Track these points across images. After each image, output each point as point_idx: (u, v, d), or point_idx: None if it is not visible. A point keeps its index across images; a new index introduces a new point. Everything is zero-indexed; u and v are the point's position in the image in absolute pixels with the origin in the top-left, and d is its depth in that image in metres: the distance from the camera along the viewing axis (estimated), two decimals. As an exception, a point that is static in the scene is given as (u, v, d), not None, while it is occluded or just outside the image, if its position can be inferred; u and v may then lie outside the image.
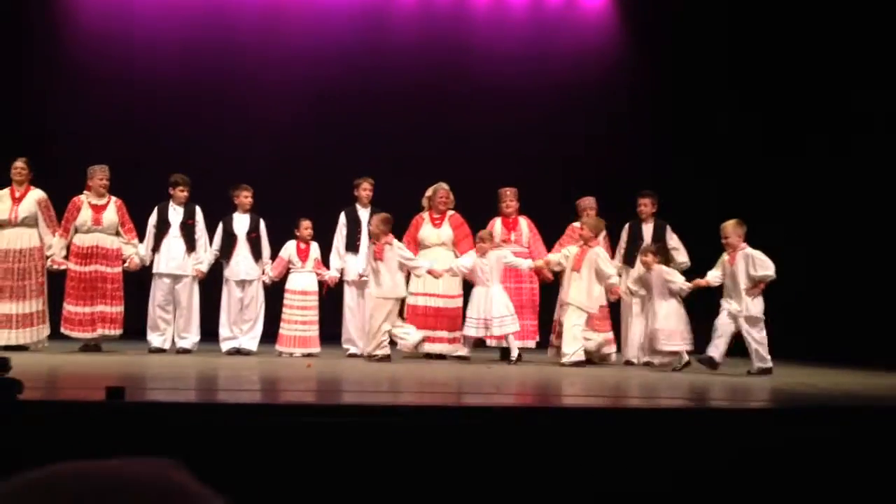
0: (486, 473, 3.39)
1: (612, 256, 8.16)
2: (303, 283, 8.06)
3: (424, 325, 7.97)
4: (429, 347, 7.97)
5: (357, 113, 10.15)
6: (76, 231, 7.75)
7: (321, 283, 8.14)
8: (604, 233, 8.07)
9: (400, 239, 8.20)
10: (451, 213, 8.33)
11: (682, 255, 8.18)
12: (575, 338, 7.41)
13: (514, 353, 7.67)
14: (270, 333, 8.11)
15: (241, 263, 8.02)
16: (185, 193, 8.12)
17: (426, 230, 8.24)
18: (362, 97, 10.22)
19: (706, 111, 10.02)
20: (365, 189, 8.37)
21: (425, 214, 8.35)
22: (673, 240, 8.22)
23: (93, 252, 7.70)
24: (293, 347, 7.89)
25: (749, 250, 6.96)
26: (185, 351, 7.92)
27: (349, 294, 8.28)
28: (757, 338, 6.86)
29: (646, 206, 8.27)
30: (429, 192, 8.34)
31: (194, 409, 3.88)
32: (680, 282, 7.25)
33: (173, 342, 8.05)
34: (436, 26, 10.64)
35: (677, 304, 7.27)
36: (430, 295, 8.08)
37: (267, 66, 10.17)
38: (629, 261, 8.17)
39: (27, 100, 9.58)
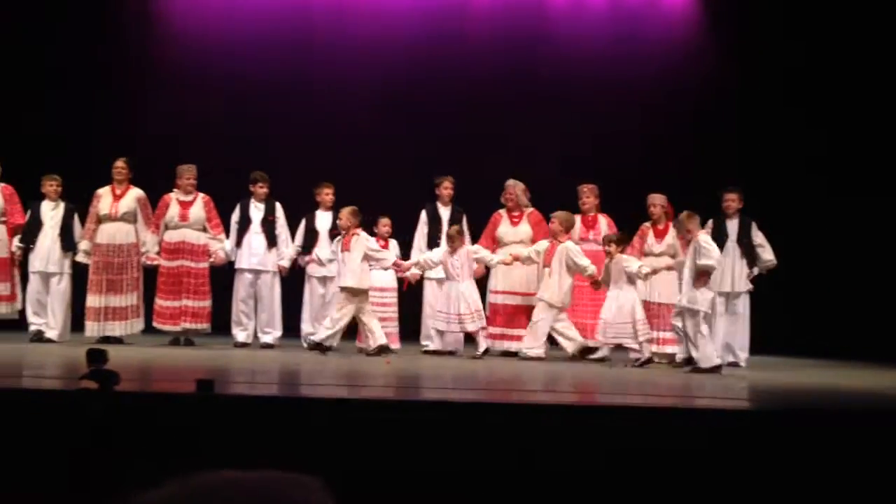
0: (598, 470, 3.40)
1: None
2: (382, 279, 8.13)
3: (504, 322, 7.99)
4: (507, 345, 7.99)
5: (438, 111, 10.21)
6: (166, 227, 8.04)
7: (401, 280, 8.23)
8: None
9: (478, 238, 8.23)
10: (529, 210, 8.30)
11: (767, 253, 8.02)
12: (538, 333, 7.46)
13: (482, 348, 7.56)
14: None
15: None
16: (265, 190, 8.31)
17: (504, 228, 8.25)
18: (442, 95, 10.26)
19: (791, 106, 9.77)
20: (446, 187, 8.42)
21: (503, 212, 8.35)
22: (759, 237, 8.05)
23: (180, 248, 7.97)
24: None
25: (700, 238, 6.91)
26: (268, 346, 8.11)
27: (429, 290, 8.34)
28: (691, 331, 6.76)
29: (733, 201, 8.09)
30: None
31: (277, 402, 4.00)
32: (636, 267, 7.27)
33: (256, 336, 8.26)
34: (512, 23, 10.61)
35: (636, 297, 7.33)
36: (511, 293, 8.09)
37: (349, 64, 10.30)
38: (713, 257, 8.04)
39: (121, 101, 9.95)
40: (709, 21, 10.63)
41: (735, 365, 7.82)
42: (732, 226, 8.07)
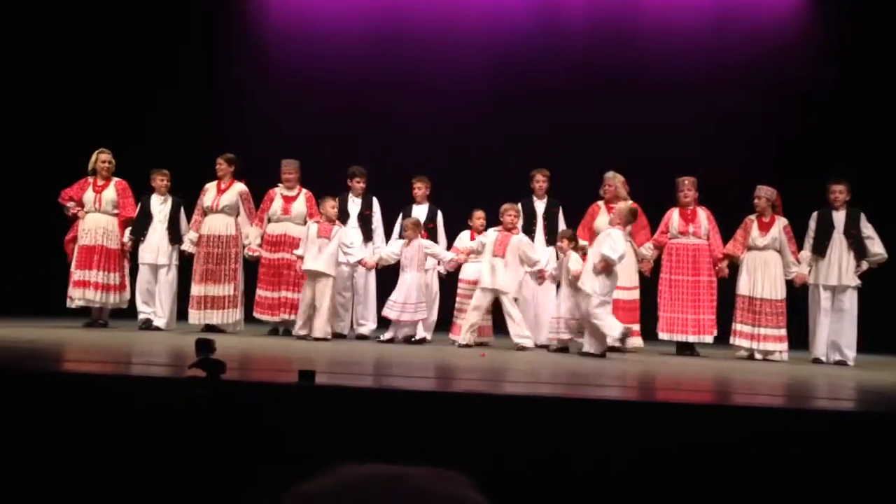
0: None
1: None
2: (476, 272, 8.16)
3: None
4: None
5: (533, 103, 10.17)
6: (269, 221, 8.26)
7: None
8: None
9: (576, 228, 8.15)
10: (628, 202, 8.18)
11: (876, 246, 7.70)
12: (518, 323, 7.61)
13: (419, 336, 7.80)
14: (445, 322, 8.28)
15: (435, 250, 8.08)
16: (363, 184, 8.43)
17: (602, 219, 8.15)
18: (537, 88, 10.22)
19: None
20: (538, 181, 8.39)
21: (601, 203, 8.26)
22: (868, 229, 7.73)
23: (281, 240, 8.17)
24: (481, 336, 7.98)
25: (613, 232, 7.13)
26: (363, 337, 8.23)
27: (524, 285, 8.31)
28: (586, 313, 6.93)
29: (840, 193, 7.80)
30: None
31: (375, 394, 4.04)
32: (575, 268, 7.30)
33: (352, 327, 8.40)
34: (611, 15, 10.49)
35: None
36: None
37: (447, 59, 10.37)
38: (820, 250, 7.77)
39: (229, 100, 10.27)
40: (815, 5, 10.27)
41: (842, 363, 7.54)
42: (839, 217, 7.78)
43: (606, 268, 6.95)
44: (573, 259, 7.42)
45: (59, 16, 10.10)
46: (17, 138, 9.89)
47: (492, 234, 7.84)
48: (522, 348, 7.56)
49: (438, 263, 8.20)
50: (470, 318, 7.70)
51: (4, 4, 9.87)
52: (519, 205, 8.02)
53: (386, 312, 7.92)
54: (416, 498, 0.75)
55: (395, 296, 7.85)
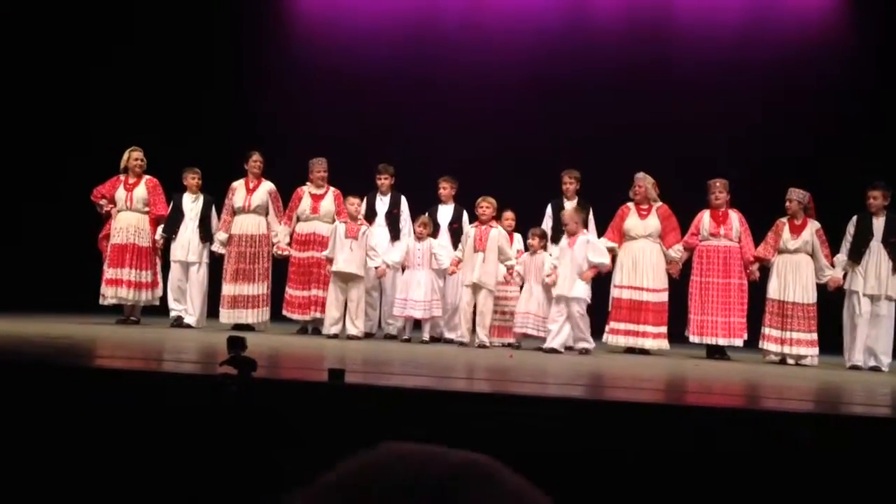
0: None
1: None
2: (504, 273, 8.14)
3: (628, 318, 7.88)
4: (632, 342, 7.86)
5: (563, 104, 10.14)
6: (298, 220, 8.30)
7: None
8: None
9: (604, 231, 8.10)
10: (658, 203, 8.12)
11: None
12: (486, 321, 7.70)
13: (426, 336, 7.87)
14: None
15: (443, 253, 8.11)
16: (390, 181, 8.45)
17: (632, 220, 8.10)
18: (567, 88, 10.19)
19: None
20: (567, 182, 8.36)
21: (631, 205, 8.20)
22: None
23: (310, 239, 8.21)
24: (494, 337, 7.99)
25: (589, 236, 7.43)
26: (392, 337, 8.25)
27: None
28: (577, 315, 7.26)
29: (876, 198, 7.68)
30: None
31: (407, 393, 4.04)
32: (548, 268, 7.51)
33: (380, 326, 8.42)
34: (640, 15, 10.42)
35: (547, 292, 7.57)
36: (635, 288, 7.95)
37: (475, 59, 10.37)
38: (856, 257, 7.66)
39: (258, 99, 10.35)
40: (849, 13, 10.14)
41: (877, 369, 7.45)
42: (878, 224, 7.66)
43: (597, 274, 7.38)
44: (547, 260, 7.59)
45: (94, 22, 10.21)
46: (53, 138, 10.02)
47: (471, 230, 7.85)
48: (483, 346, 7.61)
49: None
50: (465, 316, 7.75)
51: (5, 4, 9.98)
52: (492, 198, 7.95)
53: (410, 312, 7.91)
54: (452, 475, 0.75)
55: (415, 294, 7.84)
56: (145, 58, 10.23)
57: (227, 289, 8.20)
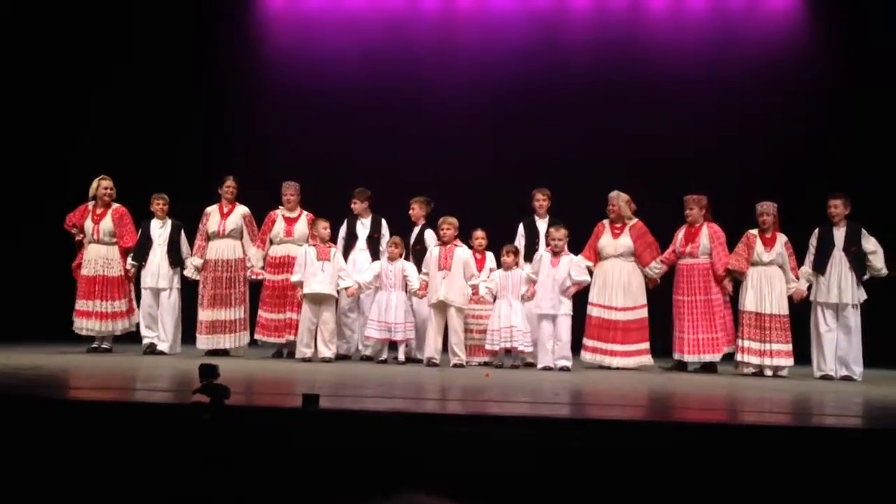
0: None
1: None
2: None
3: (597, 336, 7.90)
4: (599, 360, 7.88)
5: (534, 121, 10.19)
6: (271, 243, 8.27)
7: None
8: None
9: (580, 249, 8.11)
10: (632, 221, 8.13)
11: (879, 260, 7.64)
12: (460, 340, 7.74)
13: (401, 356, 7.92)
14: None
15: (413, 276, 8.02)
16: (365, 205, 8.44)
17: (605, 239, 8.12)
18: (538, 105, 10.24)
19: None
20: (539, 200, 8.37)
21: (606, 223, 8.23)
22: (870, 243, 7.66)
23: (284, 262, 8.17)
24: (470, 356, 7.96)
25: (573, 256, 7.76)
26: (368, 358, 8.20)
27: (529, 303, 8.26)
28: (559, 332, 7.58)
29: (836, 207, 7.75)
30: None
31: (383, 417, 4.01)
32: (524, 288, 7.72)
33: (357, 349, 8.38)
34: (611, 30, 10.52)
35: (521, 307, 7.73)
36: (605, 307, 7.96)
37: (441, 79, 10.40)
38: (819, 267, 7.72)
39: (227, 122, 10.30)
40: (814, 20, 10.31)
41: (849, 379, 7.50)
42: (839, 234, 7.71)
43: (579, 290, 7.71)
44: (524, 277, 7.72)
45: (75, 45, 10.17)
46: (26, 166, 9.95)
47: (434, 249, 7.88)
48: (459, 365, 7.60)
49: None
50: (431, 336, 7.72)
51: (4, 5, 9.93)
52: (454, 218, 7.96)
53: (385, 335, 7.88)
54: None
55: (388, 316, 7.82)
56: (109, 83, 10.17)
57: (205, 315, 8.14)
